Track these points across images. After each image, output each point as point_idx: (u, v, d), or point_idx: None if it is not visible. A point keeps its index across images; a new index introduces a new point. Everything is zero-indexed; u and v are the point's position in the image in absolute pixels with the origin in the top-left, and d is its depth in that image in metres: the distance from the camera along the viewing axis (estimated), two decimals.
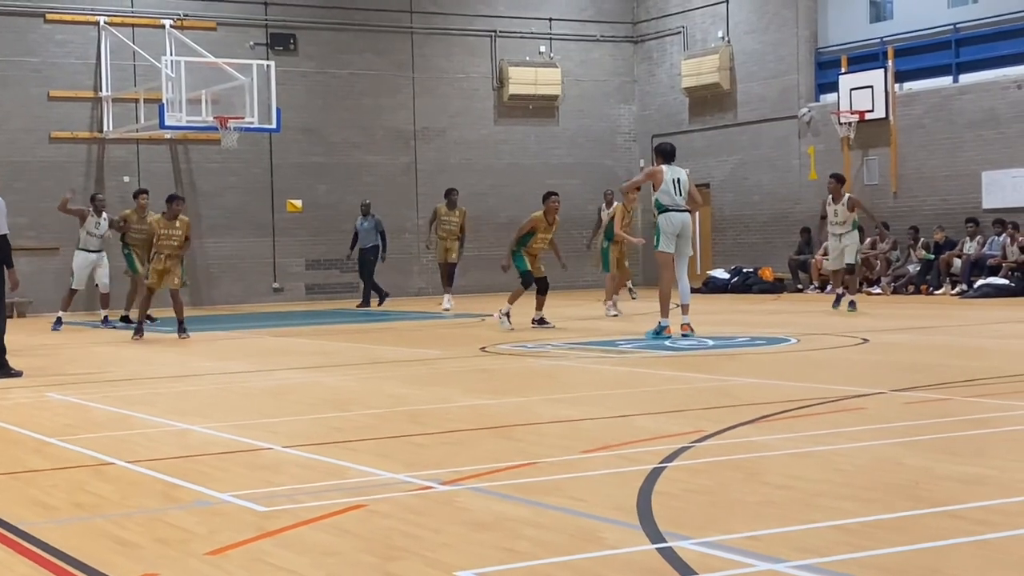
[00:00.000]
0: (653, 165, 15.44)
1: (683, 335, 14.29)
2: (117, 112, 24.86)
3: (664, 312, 14.65)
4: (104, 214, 19.74)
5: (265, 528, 5.19)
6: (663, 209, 14.52)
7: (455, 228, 21.28)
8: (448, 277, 21.56)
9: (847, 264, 18.47)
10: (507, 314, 16.33)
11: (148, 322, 17.69)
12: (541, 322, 16.44)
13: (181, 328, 16.70)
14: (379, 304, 23.10)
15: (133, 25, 25.01)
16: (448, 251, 21.28)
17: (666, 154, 14.89)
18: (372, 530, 5.11)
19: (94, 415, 9.24)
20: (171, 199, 16.79)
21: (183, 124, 22.55)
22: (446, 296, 21.49)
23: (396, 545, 4.86)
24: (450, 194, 21.53)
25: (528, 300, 16.86)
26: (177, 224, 16.51)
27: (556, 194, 17.25)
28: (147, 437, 8.00)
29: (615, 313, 18.57)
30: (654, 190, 14.66)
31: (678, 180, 14.58)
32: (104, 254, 19.71)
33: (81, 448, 7.52)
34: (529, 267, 16.52)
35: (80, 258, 19.53)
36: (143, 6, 25.23)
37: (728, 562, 4.48)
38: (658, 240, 14.57)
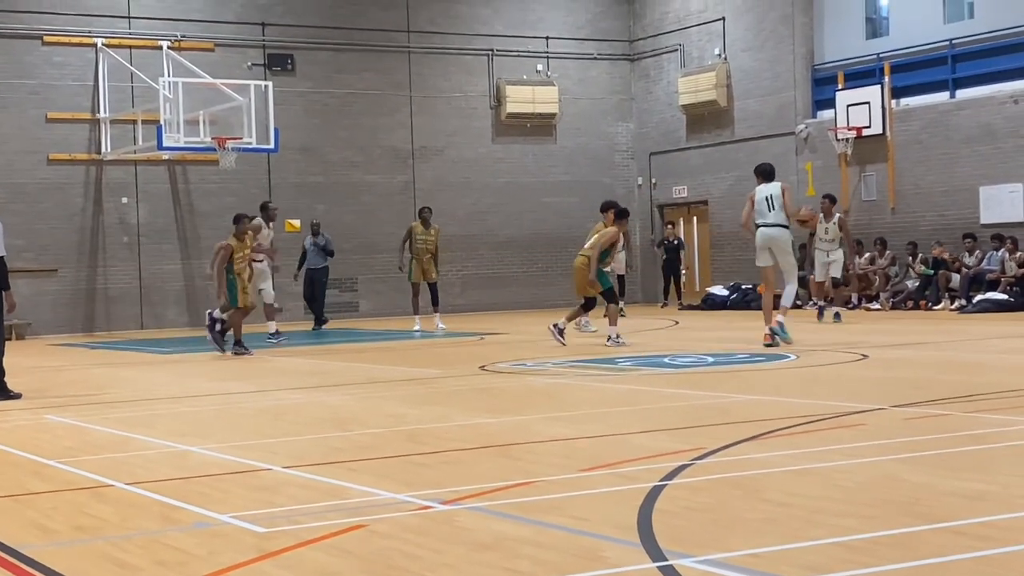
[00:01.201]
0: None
1: (765, 344, 15.01)
2: (115, 133, 24.90)
3: (767, 320, 15.26)
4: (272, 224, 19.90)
5: (265, 549, 5.18)
6: (756, 226, 15.17)
7: (431, 247, 20.90)
8: (434, 297, 21.32)
9: (833, 278, 19.87)
10: (617, 336, 16.10)
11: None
12: (561, 332, 16.51)
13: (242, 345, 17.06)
14: (316, 328, 22.78)
15: (131, 47, 25.06)
16: (426, 271, 20.84)
17: (764, 174, 15.55)
18: (372, 551, 5.10)
19: (93, 437, 9.23)
20: (240, 219, 17.45)
21: (181, 145, 22.55)
22: (417, 318, 21.05)
23: (396, 565, 4.85)
24: (423, 212, 21.30)
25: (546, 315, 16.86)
26: (248, 241, 17.42)
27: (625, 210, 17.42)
28: (146, 459, 7.99)
29: (593, 329, 18.70)
30: (752, 210, 15.36)
31: (770, 197, 15.14)
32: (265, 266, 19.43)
33: (80, 470, 7.51)
34: (612, 283, 16.89)
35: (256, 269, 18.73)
36: (140, 28, 25.28)
37: None
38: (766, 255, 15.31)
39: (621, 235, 17.48)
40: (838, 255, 19.70)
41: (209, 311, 17.56)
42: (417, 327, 20.95)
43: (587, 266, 16.33)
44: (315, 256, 22.77)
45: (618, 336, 16.16)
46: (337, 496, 6.37)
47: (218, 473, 7.26)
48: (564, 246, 28.76)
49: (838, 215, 20.08)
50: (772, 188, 15.26)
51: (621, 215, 16.93)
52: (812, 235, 20.47)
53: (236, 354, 16.68)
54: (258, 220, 19.28)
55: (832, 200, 20.40)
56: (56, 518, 6.07)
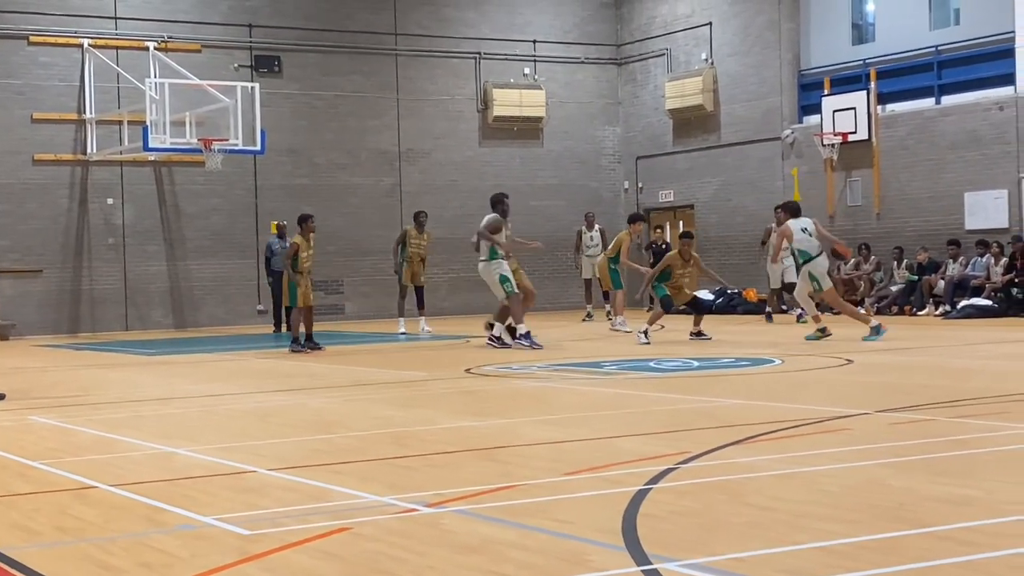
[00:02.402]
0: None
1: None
2: (101, 134, 24.83)
3: (864, 320, 16.85)
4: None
5: (249, 552, 5.16)
6: (808, 258, 16.73)
7: (423, 251, 21.10)
8: (419, 300, 21.33)
9: (786, 283, 21.06)
10: (645, 331, 17.32)
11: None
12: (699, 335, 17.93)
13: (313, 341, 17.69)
14: (276, 330, 22.75)
15: (117, 47, 25.00)
16: (416, 274, 20.99)
17: (792, 211, 17.38)
18: (357, 553, 5.09)
19: (77, 438, 9.19)
20: (308, 218, 17.98)
21: (167, 146, 22.50)
22: (402, 320, 21.17)
23: (381, 568, 4.84)
24: (419, 216, 21.37)
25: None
26: (311, 242, 17.90)
27: (687, 235, 18.84)
28: (131, 460, 7.97)
29: (628, 329, 19.64)
30: (788, 242, 17.08)
31: (805, 229, 16.79)
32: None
33: (64, 472, 7.48)
34: (667, 292, 18.11)
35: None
36: (127, 28, 25.22)
37: None
38: (818, 283, 16.77)
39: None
40: (790, 262, 20.42)
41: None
42: (402, 329, 20.99)
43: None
44: (280, 258, 22.44)
45: (646, 332, 17.37)
46: (322, 499, 6.36)
47: (203, 475, 7.24)
48: (551, 249, 28.73)
49: (597, 226, 23.16)
50: (806, 222, 16.91)
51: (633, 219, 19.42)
52: (763, 244, 22.39)
53: (293, 352, 17.31)
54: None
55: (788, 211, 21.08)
56: (39, 519, 6.04)
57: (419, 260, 21.02)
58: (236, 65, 25.95)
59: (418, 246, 21.00)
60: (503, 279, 17.42)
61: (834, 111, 24.76)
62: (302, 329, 17.67)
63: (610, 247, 21.07)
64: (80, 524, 5.91)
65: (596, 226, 24.75)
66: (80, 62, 24.72)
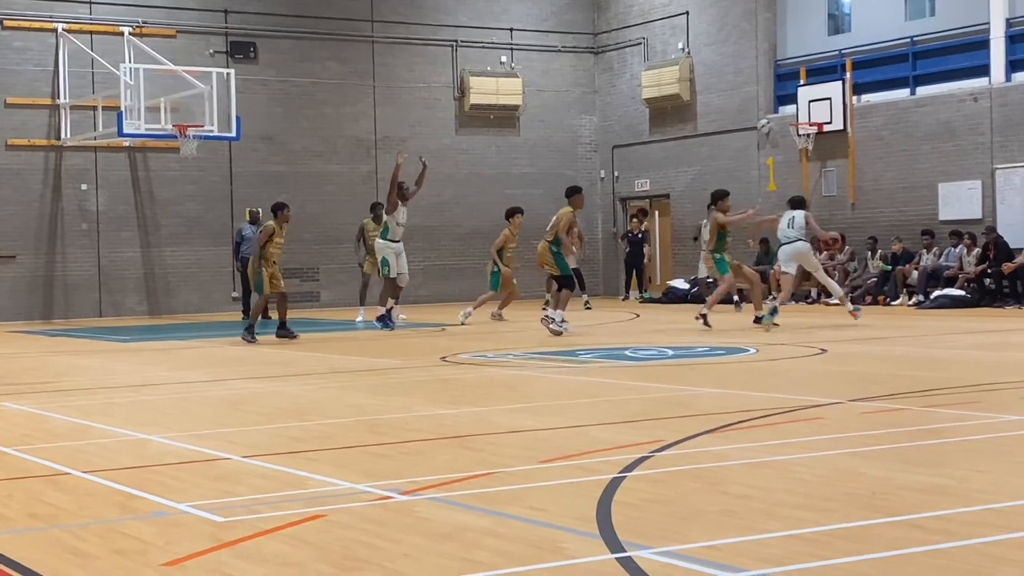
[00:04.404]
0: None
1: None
2: (75, 119, 24.68)
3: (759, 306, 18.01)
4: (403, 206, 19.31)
5: (223, 539, 5.15)
6: (780, 245, 18.22)
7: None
8: (365, 289, 21.40)
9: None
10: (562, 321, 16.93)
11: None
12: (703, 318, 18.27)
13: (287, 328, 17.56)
14: (246, 317, 22.67)
15: (91, 32, 24.84)
16: (374, 264, 20.76)
17: (793, 203, 18.24)
18: (331, 540, 5.09)
19: (50, 425, 9.15)
20: (283, 207, 17.84)
21: (142, 132, 22.39)
22: (361, 309, 21.19)
23: (355, 556, 4.84)
24: (375, 208, 21.24)
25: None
26: (284, 231, 17.87)
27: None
28: (104, 447, 7.94)
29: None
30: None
31: (792, 219, 17.79)
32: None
33: (37, 458, 7.45)
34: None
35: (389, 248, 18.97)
36: (102, 13, 25.06)
37: (688, 571, 4.49)
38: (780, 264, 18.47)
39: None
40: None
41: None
42: (360, 317, 20.90)
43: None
44: (251, 245, 22.24)
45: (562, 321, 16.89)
46: (296, 486, 6.35)
47: (177, 462, 7.23)
48: (527, 238, 28.69)
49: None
50: (795, 213, 17.84)
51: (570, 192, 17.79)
52: (695, 239, 23.85)
53: (245, 341, 16.90)
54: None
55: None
56: (11, 506, 6.02)
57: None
58: (211, 51, 25.83)
59: (375, 238, 20.86)
60: (383, 263, 18.73)
61: (810, 101, 24.83)
62: (274, 318, 17.62)
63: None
64: (53, 511, 5.89)
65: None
66: (54, 47, 24.56)
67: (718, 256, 18.03)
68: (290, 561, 4.79)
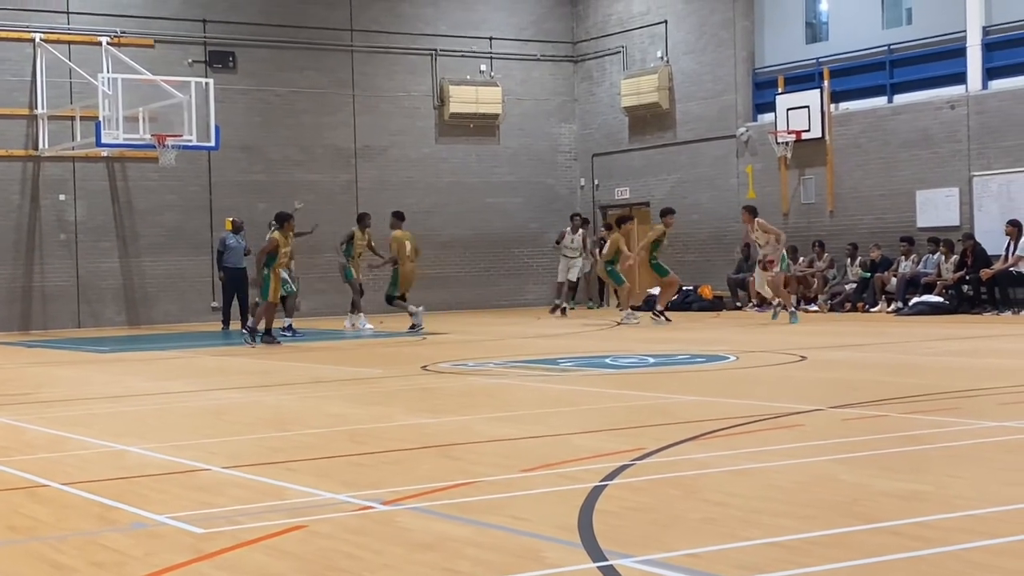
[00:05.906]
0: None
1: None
2: (53, 129, 24.58)
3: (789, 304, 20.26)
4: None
5: (203, 550, 5.13)
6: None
7: (364, 251, 21.58)
8: (360, 296, 21.87)
9: (569, 280, 25.07)
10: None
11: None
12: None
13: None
14: (225, 328, 22.57)
15: (69, 42, 24.75)
16: (360, 272, 21.70)
17: (751, 211, 20.34)
18: (312, 551, 5.08)
19: (28, 436, 9.11)
20: (289, 217, 18.44)
21: (120, 142, 22.30)
22: (362, 316, 21.74)
23: (336, 566, 4.83)
24: (364, 218, 21.69)
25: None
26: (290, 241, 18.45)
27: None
28: (83, 459, 7.90)
29: (636, 321, 21.02)
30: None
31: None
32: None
33: (15, 470, 7.41)
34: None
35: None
36: (80, 23, 24.98)
37: None
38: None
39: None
40: (578, 263, 24.93)
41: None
42: (367, 325, 21.44)
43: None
44: (237, 255, 22.24)
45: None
46: (277, 496, 6.33)
47: (156, 473, 7.20)
48: (507, 246, 28.83)
49: (581, 231, 25.58)
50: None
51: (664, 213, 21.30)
52: (558, 243, 25.80)
53: (266, 343, 17.80)
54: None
55: (583, 219, 26.17)
56: None
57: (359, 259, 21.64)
58: (190, 60, 25.76)
59: (362, 247, 21.47)
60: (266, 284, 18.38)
61: (788, 109, 24.91)
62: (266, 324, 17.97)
63: (606, 250, 21.73)
64: (32, 523, 5.86)
65: (580, 230, 25.48)
66: (32, 56, 24.46)
67: (610, 268, 21.08)
68: (271, 572, 4.78)
